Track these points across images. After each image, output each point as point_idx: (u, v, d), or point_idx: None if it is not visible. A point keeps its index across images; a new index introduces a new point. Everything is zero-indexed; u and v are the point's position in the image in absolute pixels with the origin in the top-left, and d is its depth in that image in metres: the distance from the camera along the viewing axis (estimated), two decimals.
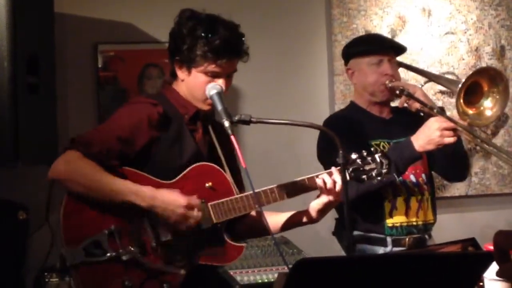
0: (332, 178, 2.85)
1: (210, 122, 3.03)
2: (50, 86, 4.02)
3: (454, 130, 3.29)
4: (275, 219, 3.02)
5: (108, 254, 2.77)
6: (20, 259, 4.05)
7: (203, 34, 2.82)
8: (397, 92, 3.54)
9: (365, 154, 2.86)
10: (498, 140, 4.97)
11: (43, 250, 3.97)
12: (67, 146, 2.79)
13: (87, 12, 4.43)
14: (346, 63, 3.74)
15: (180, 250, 2.83)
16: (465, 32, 5.02)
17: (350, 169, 2.87)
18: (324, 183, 2.85)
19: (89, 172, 2.74)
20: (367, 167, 2.88)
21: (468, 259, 2.71)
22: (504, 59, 5.05)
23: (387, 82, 3.54)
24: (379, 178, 2.90)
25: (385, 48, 3.66)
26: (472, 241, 3.45)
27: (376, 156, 2.89)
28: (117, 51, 4.46)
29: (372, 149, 2.93)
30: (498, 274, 1.34)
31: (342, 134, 3.07)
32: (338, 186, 2.82)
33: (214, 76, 2.85)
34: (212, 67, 2.84)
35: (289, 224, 3.05)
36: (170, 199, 2.73)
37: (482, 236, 4.38)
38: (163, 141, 2.87)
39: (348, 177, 2.83)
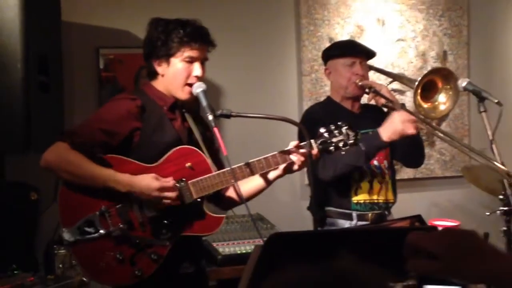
0: (300, 152, 2.84)
1: (190, 112, 3.02)
2: (58, 85, 4.03)
3: (414, 122, 3.32)
4: (244, 188, 2.96)
5: (101, 231, 2.77)
6: (32, 234, 4.04)
7: (176, 27, 2.83)
8: (366, 90, 3.60)
9: (332, 127, 2.84)
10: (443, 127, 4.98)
11: (52, 226, 3.95)
12: (56, 138, 2.78)
13: (90, 20, 4.40)
14: (325, 63, 3.79)
15: (165, 224, 2.81)
16: (414, 39, 5.03)
17: (319, 141, 2.84)
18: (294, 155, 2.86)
19: (74, 161, 2.73)
20: (334, 139, 2.84)
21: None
22: (447, 62, 5.08)
23: (358, 81, 3.60)
24: (346, 147, 2.87)
25: (358, 52, 3.70)
26: (418, 217, 3.46)
27: (343, 129, 2.86)
28: (116, 55, 4.44)
29: (341, 122, 2.88)
30: (407, 268, 1.30)
31: (319, 120, 3.27)
32: (299, 161, 2.84)
33: (190, 61, 2.84)
34: (188, 52, 2.83)
35: (254, 188, 3.01)
36: (144, 184, 2.72)
37: (427, 213, 4.40)
38: (145, 129, 2.85)
39: (316, 149, 2.83)
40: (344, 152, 2.93)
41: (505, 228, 3.60)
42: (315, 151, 2.84)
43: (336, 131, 2.85)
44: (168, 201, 2.74)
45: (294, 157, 2.85)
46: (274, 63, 4.81)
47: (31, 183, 4.01)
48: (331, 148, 2.86)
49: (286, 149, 2.86)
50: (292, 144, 2.86)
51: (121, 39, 4.42)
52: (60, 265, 3.72)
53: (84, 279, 3.47)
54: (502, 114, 3.00)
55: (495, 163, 3.08)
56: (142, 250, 2.80)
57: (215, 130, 2.76)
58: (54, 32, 4.00)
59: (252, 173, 2.86)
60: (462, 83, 3.25)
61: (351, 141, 2.87)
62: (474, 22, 5.19)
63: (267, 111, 3.59)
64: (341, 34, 4.83)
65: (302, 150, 2.83)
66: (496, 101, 3.06)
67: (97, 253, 2.79)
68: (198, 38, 2.84)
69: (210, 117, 2.75)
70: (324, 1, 4.82)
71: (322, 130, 2.85)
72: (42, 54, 3.82)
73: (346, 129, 2.86)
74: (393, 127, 3.34)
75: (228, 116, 2.87)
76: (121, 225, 2.78)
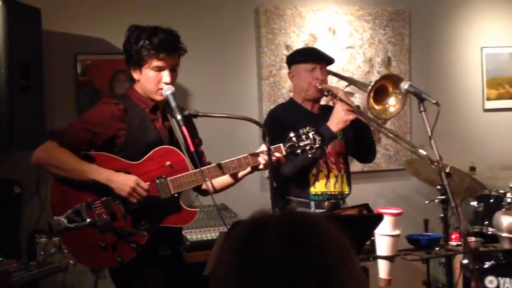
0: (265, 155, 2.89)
1: (170, 112, 3.01)
2: (39, 88, 4.00)
3: (353, 111, 3.44)
4: (216, 182, 3.04)
5: (87, 221, 2.77)
6: (15, 224, 3.99)
7: (146, 38, 2.81)
8: (325, 93, 3.62)
9: (300, 132, 2.90)
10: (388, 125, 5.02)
11: (34, 217, 3.91)
12: (46, 138, 2.81)
13: (68, 29, 4.35)
14: (289, 68, 3.81)
15: (145, 216, 2.82)
16: (361, 47, 5.06)
17: (287, 145, 2.91)
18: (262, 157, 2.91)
19: (61, 157, 2.75)
20: (302, 143, 2.91)
21: (364, 220, 2.73)
22: (391, 67, 5.11)
23: (317, 84, 3.62)
24: (312, 151, 2.94)
25: (318, 58, 3.72)
26: (366, 206, 3.48)
27: (310, 134, 2.92)
28: (93, 60, 4.40)
29: (309, 128, 2.96)
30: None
31: (281, 120, 3.48)
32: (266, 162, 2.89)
33: (159, 70, 2.84)
34: (155, 62, 2.82)
35: (226, 183, 3.07)
36: (121, 179, 2.75)
37: (374, 202, 4.44)
38: (130, 130, 2.85)
39: (284, 152, 2.90)
40: (310, 155, 2.98)
41: (442, 215, 3.64)
42: (283, 153, 2.90)
43: (303, 136, 2.92)
44: (137, 197, 2.75)
45: (262, 159, 2.90)
46: (237, 68, 4.80)
47: (14, 178, 3.95)
48: (298, 151, 2.94)
49: (256, 151, 2.92)
50: (263, 147, 2.91)
51: (97, 46, 4.37)
52: (42, 252, 3.73)
53: (71, 262, 3.47)
54: (439, 114, 3.02)
55: (420, 150, 3.16)
56: (123, 238, 2.81)
57: (183, 128, 2.77)
58: (35, 40, 3.97)
59: (225, 172, 2.91)
60: (404, 85, 3.27)
61: (317, 145, 2.94)
62: (415, 32, 5.24)
63: (230, 111, 3.59)
64: (297, 42, 4.83)
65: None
66: (434, 101, 3.08)
67: (83, 240, 2.81)
68: (165, 48, 2.82)
69: (179, 117, 2.77)
70: (281, 12, 4.82)
71: (291, 134, 2.92)
72: (24, 60, 3.81)
73: (313, 134, 2.92)
74: (337, 117, 3.44)
75: (195, 115, 2.90)
76: (105, 216, 2.79)
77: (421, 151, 3.22)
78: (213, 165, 2.88)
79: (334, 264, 1.09)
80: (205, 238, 3.69)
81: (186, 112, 2.83)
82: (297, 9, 4.87)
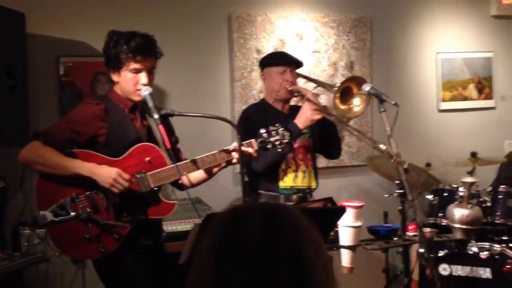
0: (247, 149, 2.91)
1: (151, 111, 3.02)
2: (23, 87, 3.98)
3: (319, 111, 3.48)
4: (192, 176, 3.04)
5: (71, 214, 2.77)
6: (0, 217, 3.95)
7: (123, 43, 2.81)
8: (295, 94, 3.67)
9: (271, 128, 2.92)
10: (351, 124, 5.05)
11: (18, 210, 3.88)
12: (31, 138, 2.81)
13: (51, 32, 4.31)
14: (261, 70, 3.83)
15: (126, 209, 2.83)
16: (327, 51, 5.08)
17: (258, 141, 2.93)
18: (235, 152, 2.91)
19: (46, 155, 2.75)
20: (272, 139, 2.93)
21: (328, 212, 2.76)
22: (354, 70, 5.14)
23: (288, 86, 3.65)
24: (282, 146, 2.95)
25: (288, 62, 3.76)
26: (330, 199, 3.52)
27: (279, 130, 2.94)
28: (75, 62, 4.36)
29: (277, 124, 2.97)
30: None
31: (254, 118, 3.51)
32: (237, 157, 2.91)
33: (136, 72, 2.84)
34: (133, 65, 2.82)
35: (202, 177, 3.08)
36: (103, 171, 2.74)
37: (338, 196, 4.46)
38: (110, 128, 2.85)
39: (256, 147, 2.92)
40: (279, 150, 3.00)
41: (400, 208, 3.68)
42: (255, 148, 2.92)
43: (273, 132, 2.93)
44: (119, 188, 2.75)
45: (235, 154, 2.91)
46: (211, 70, 4.80)
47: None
48: (269, 146, 2.95)
49: (229, 147, 2.93)
50: (235, 143, 2.92)
51: (79, 49, 4.34)
52: (25, 243, 3.71)
53: (57, 254, 3.47)
54: (398, 114, 3.06)
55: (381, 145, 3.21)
56: (106, 230, 2.81)
57: (160, 127, 2.77)
58: (19, 43, 3.95)
59: (201, 166, 2.92)
60: (366, 87, 3.30)
61: (286, 141, 2.95)
62: (376, 38, 5.27)
63: (204, 111, 3.60)
64: (267, 46, 4.85)
65: (242, 148, 2.89)
66: (393, 102, 3.11)
67: (67, 233, 2.80)
68: (141, 52, 2.82)
69: (156, 116, 2.76)
70: (252, 19, 4.83)
71: (262, 131, 2.93)
72: (9, 62, 3.78)
73: (282, 130, 2.93)
74: (304, 116, 3.49)
75: (171, 115, 2.91)
76: (88, 209, 2.78)
77: (381, 146, 3.26)
78: (189, 160, 2.89)
79: (305, 246, 1.14)
80: (180, 229, 3.69)
81: (163, 112, 2.82)
82: (267, 16, 4.88)
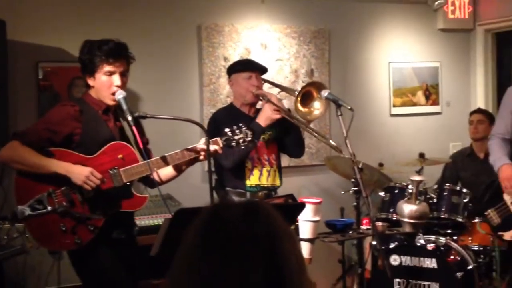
0: (213, 147, 2.92)
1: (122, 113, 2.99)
2: (4, 91, 3.91)
3: (279, 111, 3.49)
4: (162, 173, 3.03)
5: (48, 208, 2.73)
6: None
7: (97, 47, 2.80)
8: (260, 98, 3.65)
9: (234, 127, 2.93)
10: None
11: None
12: (10, 138, 2.78)
13: (31, 39, 4.25)
14: (229, 77, 3.82)
15: (100, 202, 2.80)
16: (289, 59, 5.10)
17: (223, 139, 2.92)
18: (202, 150, 2.91)
19: (25, 155, 2.73)
20: (236, 137, 2.93)
21: (289, 207, 2.76)
22: (313, 77, 5.15)
23: (254, 90, 3.64)
24: (245, 143, 2.96)
25: (254, 68, 3.75)
26: (291, 196, 3.52)
27: (243, 129, 2.95)
28: (53, 67, 4.31)
29: (240, 124, 2.98)
30: None
31: (222, 121, 3.47)
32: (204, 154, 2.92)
33: (110, 74, 2.82)
34: (106, 67, 2.80)
35: (171, 174, 3.06)
36: (76, 170, 2.73)
37: (298, 193, 4.48)
38: (84, 128, 2.83)
39: (221, 144, 2.92)
40: (243, 147, 3.00)
41: (355, 204, 3.71)
42: (220, 145, 2.91)
43: (237, 131, 2.94)
44: (92, 184, 2.73)
45: (202, 151, 2.91)
46: (181, 76, 4.78)
47: None
48: (233, 144, 2.95)
49: (196, 145, 2.92)
50: (202, 140, 2.92)
51: (57, 55, 4.29)
52: (5, 237, 3.64)
53: (34, 246, 3.41)
54: (353, 118, 3.08)
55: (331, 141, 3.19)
56: (82, 222, 2.78)
57: (134, 128, 2.77)
58: (1, 48, 3.87)
59: (170, 162, 2.90)
60: (324, 93, 3.32)
61: (249, 138, 2.96)
62: (334, 48, 5.30)
63: (175, 114, 3.56)
64: (233, 54, 4.84)
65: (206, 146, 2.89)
66: (349, 107, 3.13)
67: (45, 225, 2.77)
68: (113, 55, 2.81)
69: (130, 118, 2.76)
70: (220, 29, 4.82)
71: (226, 129, 2.93)
72: None
73: (246, 129, 2.94)
74: (265, 115, 3.50)
75: (144, 117, 2.89)
76: (64, 203, 2.75)
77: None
78: (159, 157, 2.88)
79: (281, 237, 1.17)
80: (152, 224, 3.67)
81: (136, 114, 2.81)
82: (233, 26, 4.88)
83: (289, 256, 1.15)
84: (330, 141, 3.24)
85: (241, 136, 2.93)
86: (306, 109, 3.51)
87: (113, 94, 2.82)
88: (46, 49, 4.26)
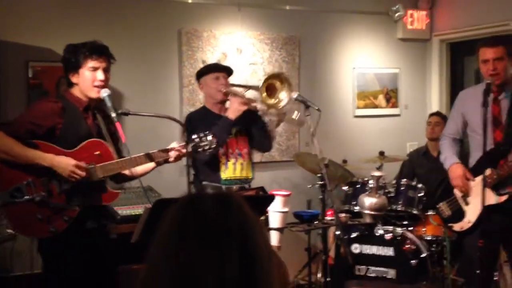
0: (178, 150, 2.93)
1: (100, 112, 2.97)
2: None
3: (245, 103, 3.50)
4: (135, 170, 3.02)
5: (26, 197, 2.70)
6: None
7: (81, 46, 2.80)
8: (229, 96, 3.64)
9: (201, 135, 2.92)
10: (280, 127, 5.07)
11: None
12: None
13: (22, 40, 4.19)
14: (198, 81, 3.79)
15: (76, 195, 2.77)
16: (262, 64, 5.10)
17: (191, 145, 2.94)
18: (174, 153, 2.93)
19: (9, 145, 2.68)
20: (201, 144, 2.94)
21: (260, 199, 2.78)
22: None
23: (222, 89, 3.63)
24: (210, 150, 2.98)
25: (220, 69, 3.75)
26: (262, 188, 3.54)
27: (209, 137, 2.95)
28: (42, 67, 4.25)
29: (207, 132, 2.98)
30: None
31: (195, 122, 3.50)
32: (175, 156, 2.94)
33: (94, 69, 2.82)
34: (91, 63, 2.80)
35: (141, 172, 3.05)
36: (63, 162, 2.70)
37: (269, 186, 4.50)
38: (65, 124, 2.80)
39: (189, 150, 2.92)
40: (208, 153, 3.07)
41: (321, 197, 3.74)
42: (189, 150, 2.94)
43: (203, 138, 2.95)
44: (77, 177, 2.71)
45: (171, 154, 2.93)
46: (163, 77, 4.75)
47: None
48: (200, 150, 2.97)
49: (168, 147, 2.93)
50: (173, 144, 2.94)
51: (46, 55, 4.23)
52: None
53: (12, 231, 3.35)
54: (320, 118, 3.11)
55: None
56: (57, 212, 2.75)
57: (117, 124, 2.76)
58: None
59: (148, 160, 2.90)
60: (294, 95, 3.34)
61: (214, 146, 2.98)
62: (303, 54, 5.31)
63: (157, 112, 3.55)
64: (211, 58, 4.83)
65: (177, 150, 2.93)
66: (316, 108, 3.17)
67: (22, 213, 2.72)
68: (97, 51, 2.82)
69: (113, 115, 2.76)
70: (199, 34, 4.81)
71: (194, 136, 2.95)
72: None
73: (211, 137, 2.95)
74: (232, 107, 3.50)
75: (126, 114, 2.89)
76: (42, 193, 2.71)
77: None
78: (136, 155, 2.86)
79: (251, 223, 1.18)
80: (133, 213, 3.65)
81: (120, 111, 2.81)
82: (212, 32, 4.87)
83: (259, 243, 1.15)
84: (314, 141, 3.24)
85: (206, 143, 2.95)
86: (273, 100, 3.51)
87: (97, 87, 2.82)
88: (35, 50, 4.20)
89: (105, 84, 2.85)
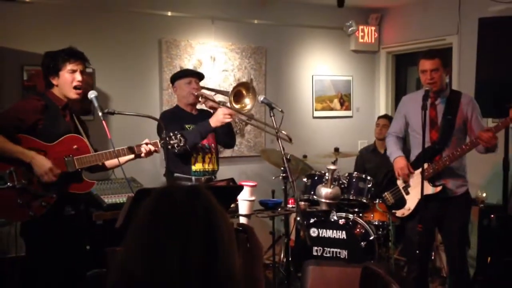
0: (149, 146, 2.92)
1: (75, 112, 2.95)
2: None
3: (229, 114, 3.40)
4: (111, 162, 2.99)
5: (8, 184, 2.64)
6: None
7: (60, 52, 2.79)
8: (200, 98, 3.58)
9: (171, 134, 2.91)
10: (249, 126, 5.08)
11: None
12: None
13: (17, 46, 4.10)
14: (172, 84, 3.73)
15: (54, 183, 2.71)
16: (233, 70, 5.09)
17: (161, 142, 2.93)
18: (145, 149, 2.92)
19: None
20: (171, 142, 2.93)
21: (230, 189, 2.77)
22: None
23: (194, 92, 3.57)
24: (178, 148, 2.95)
25: (192, 74, 3.69)
26: (232, 180, 3.52)
27: (178, 136, 2.93)
28: (36, 70, 4.12)
29: (176, 132, 2.96)
30: None
31: (171, 121, 3.39)
32: (145, 152, 2.91)
33: (72, 72, 2.79)
34: (68, 66, 2.78)
35: (113, 164, 3.02)
36: (41, 162, 2.66)
37: (238, 178, 4.50)
38: (46, 120, 2.76)
39: (160, 146, 2.93)
40: (176, 151, 3.01)
41: (283, 187, 3.75)
42: (158, 147, 2.93)
43: (173, 136, 2.92)
44: (48, 179, 2.66)
45: (143, 149, 2.91)
46: (145, 81, 4.70)
47: None
48: (169, 146, 2.94)
49: (140, 143, 2.92)
50: (145, 141, 2.93)
51: (39, 59, 4.08)
52: None
53: None
54: (283, 118, 3.12)
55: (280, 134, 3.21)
56: (36, 199, 2.69)
57: (104, 122, 2.70)
58: None
59: (122, 155, 2.86)
60: (260, 98, 3.33)
61: (182, 144, 2.95)
62: (269, 62, 5.33)
63: (139, 112, 3.50)
64: (188, 64, 4.80)
65: (149, 146, 2.92)
66: (280, 110, 3.17)
67: (3, 199, 2.66)
68: (74, 56, 2.80)
69: (100, 114, 2.71)
70: (177, 43, 4.77)
71: (163, 135, 2.90)
72: None
73: (180, 136, 2.92)
74: (216, 117, 3.41)
75: (112, 113, 2.83)
76: (23, 181, 2.66)
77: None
78: (111, 150, 2.83)
79: (215, 211, 1.17)
80: (117, 202, 3.60)
81: (106, 111, 2.77)
82: (188, 41, 4.84)
83: (222, 229, 1.15)
84: (283, 132, 3.22)
85: (175, 141, 2.93)
86: (239, 105, 3.50)
87: (75, 88, 2.81)
88: (30, 55, 4.10)
89: (82, 84, 2.84)
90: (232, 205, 3.26)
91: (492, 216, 4.10)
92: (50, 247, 2.72)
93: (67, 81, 2.79)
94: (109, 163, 3.00)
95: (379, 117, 5.19)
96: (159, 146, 2.91)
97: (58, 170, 2.69)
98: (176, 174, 3.56)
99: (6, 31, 4.02)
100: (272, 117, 3.16)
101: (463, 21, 4.92)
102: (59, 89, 2.82)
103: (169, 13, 4.74)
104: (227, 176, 3.82)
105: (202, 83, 3.79)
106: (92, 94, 2.78)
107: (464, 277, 3.42)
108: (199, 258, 1.09)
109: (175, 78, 3.69)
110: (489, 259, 3.79)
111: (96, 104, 2.75)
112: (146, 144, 2.92)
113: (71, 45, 2.88)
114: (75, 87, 2.81)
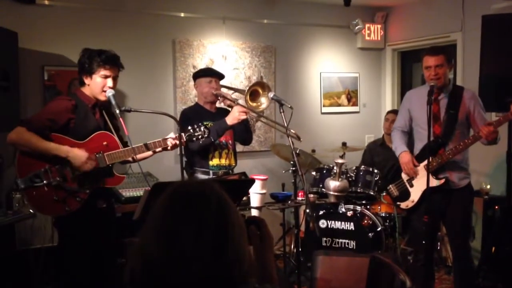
0: (174, 140, 2.92)
1: (106, 109, 2.95)
2: (15, 88, 3.81)
3: (245, 112, 3.39)
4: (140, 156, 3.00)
5: (44, 182, 2.68)
6: None
7: (97, 55, 2.77)
8: (219, 97, 3.61)
9: (195, 126, 2.93)
10: (259, 123, 5.09)
11: (11, 180, 3.70)
12: (17, 124, 2.70)
13: (38, 47, 4.14)
14: (194, 81, 3.75)
15: (88, 179, 2.76)
16: (243, 69, 5.10)
17: (186, 134, 2.92)
18: (171, 142, 2.93)
19: (29, 139, 2.66)
20: (196, 133, 2.93)
21: (242, 182, 2.79)
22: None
23: (213, 91, 3.59)
24: (203, 139, 2.97)
25: (213, 74, 3.70)
26: (243, 173, 3.54)
27: (202, 128, 2.95)
28: (56, 70, 4.19)
29: (200, 123, 2.98)
30: None
31: (189, 117, 3.43)
32: (172, 145, 2.93)
33: (105, 77, 2.80)
34: (103, 72, 2.78)
35: (144, 156, 3.02)
36: (77, 154, 2.69)
37: (250, 171, 4.51)
38: (77, 119, 2.78)
39: (185, 139, 2.91)
40: (201, 142, 2.99)
41: (293, 180, 3.77)
42: (184, 140, 2.92)
43: (197, 129, 2.93)
44: (88, 167, 2.71)
45: (169, 143, 2.92)
46: (159, 79, 4.72)
47: None
48: (194, 139, 2.95)
49: (166, 137, 2.92)
50: (171, 134, 2.93)
51: (59, 60, 4.19)
52: (17, 204, 3.57)
53: (32, 211, 3.34)
54: (292, 114, 3.13)
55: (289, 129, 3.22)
56: (71, 194, 2.73)
57: (121, 119, 2.75)
58: (13, 55, 3.79)
59: (147, 150, 2.89)
60: (270, 95, 3.34)
61: (206, 135, 2.97)
62: (278, 60, 5.33)
63: (154, 109, 3.53)
64: (200, 63, 4.82)
65: (174, 140, 2.92)
66: (289, 106, 3.17)
67: (40, 195, 2.70)
68: (110, 62, 2.79)
69: (117, 111, 2.75)
70: (190, 43, 4.79)
71: (189, 127, 2.92)
72: (5, 68, 3.62)
73: (204, 128, 2.94)
74: (232, 115, 3.40)
75: (129, 110, 2.87)
76: (58, 178, 2.70)
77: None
78: (140, 145, 2.86)
79: (227, 205, 1.21)
80: (135, 195, 3.64)
81: (123, 108, 2.80)
82: (201, 41, 4.86)
83: (232, 217, 1.19)
84: (292, 130, 3.23)
85: (200, 133, 2.94)
86: (255, 104, 3.51)
87: (105, 91, 2.81)
88: (50, 56, 4.16)
89: (113, 89, 2.84)
90: (244, 198, 3.29)
91: (496, 207, 4.08)
92: (84, 238, 2.77)
93: (98, 85, 2.80)
94: (139, 156, 3.02)
95: (388, 112, 5.13)
96: (184, 138, 2.92)
97: (94, 159, 2.73)
98: (194, 168, 3.60)
99: (27, 33, 4.06)
100: (282, 113, 3.17)
101: (467, 18, 4.88)
102: (90, 89, 2.84)
103: (182, 14, 4.76)
104: (239, 170, 3.84)
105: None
106: (109, 93, 2.80)
107: (468, 264, 3.41)
108: (211, 242, 1.13)
109: (196, 76, 3.72)
110: (493, 249, 3.78)
111: (113, 102, 2.77)
112: (173, 139, 2.94)
113: (88, 46, 2.88)
114: (105, 91, 2.82)
